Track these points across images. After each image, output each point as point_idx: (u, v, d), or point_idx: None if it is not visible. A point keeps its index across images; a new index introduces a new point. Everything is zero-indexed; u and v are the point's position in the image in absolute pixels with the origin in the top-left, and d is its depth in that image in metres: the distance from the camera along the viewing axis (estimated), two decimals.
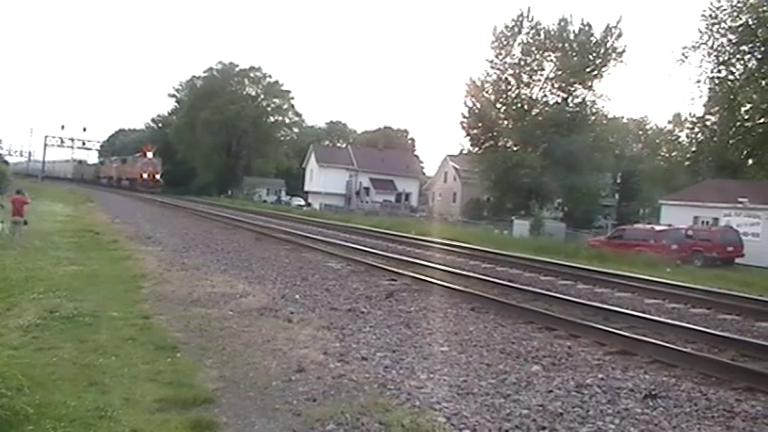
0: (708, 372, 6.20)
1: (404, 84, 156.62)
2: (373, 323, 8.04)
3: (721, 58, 32.19)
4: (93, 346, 6.17)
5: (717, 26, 31.75)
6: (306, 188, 70.94)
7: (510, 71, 44.82)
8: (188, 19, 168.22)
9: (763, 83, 31.62)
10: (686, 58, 32.43)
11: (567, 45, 43.69)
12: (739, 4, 31.16)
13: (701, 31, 32.17)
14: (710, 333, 8.02)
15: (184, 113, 73.89)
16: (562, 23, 44.17)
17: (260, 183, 73.05)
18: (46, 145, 77.94)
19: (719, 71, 32.62)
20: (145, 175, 63.11)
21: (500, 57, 44.81)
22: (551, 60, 44.27)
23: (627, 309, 9.68)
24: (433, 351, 6.76)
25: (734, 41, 31.58)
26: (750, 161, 36.17)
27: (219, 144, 69.96)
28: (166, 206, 35.81)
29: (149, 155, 64.83)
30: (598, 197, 47.52)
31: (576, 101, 44.65)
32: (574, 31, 43.98)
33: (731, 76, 32.65)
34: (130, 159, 68.41)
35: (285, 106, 73.42)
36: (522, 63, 44.28)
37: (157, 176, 64.07)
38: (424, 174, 76.90)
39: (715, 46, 32.01)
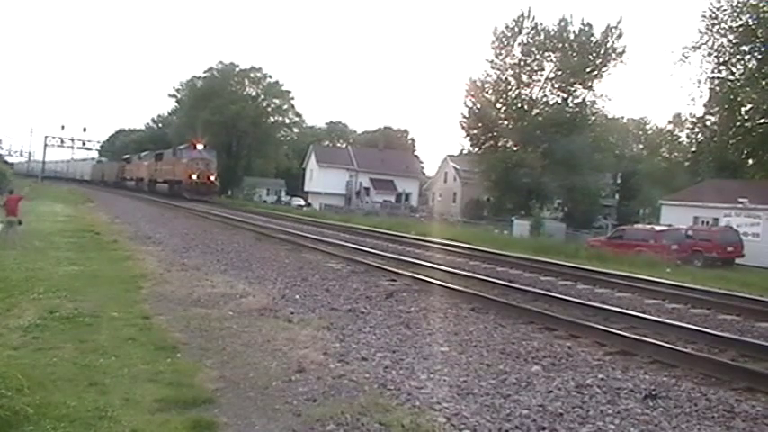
0: (708, 372, 6.20)
1: (404, 84, 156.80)
2: (373, 323, 8.03)
3: (721, 59, 32.18)
4: (93, 347, 6.18)
5: (717, 26, 31.75)
6: (306, 188, 71.00)
7: (510, 71, 44.86)
8: (188, 19, 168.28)
9: (764, 83, 31.56)
10: (686, 58, 32.43)
11: (567, 45, 43.74)
12: (739, 5, 31.14)
13: (701, 32, 32.16)
14: (710, 333, 8.01)
15: (184, 114, 73.70)
16: (562, 24, 44.26)
17: (260, 183, 72.89)
18: (46, 145, 77.79)
19: (720, 71, 32.61)
20: (195, 176, 44.04)
21: (500, 57, 44.91)
22: (551, 60, 44.35)
23: (627, 309, 9.66)
24: (433, 351, 6.76)
25: (734, 42, 31.56)
26: (750, 161, 36.13)
27: (219, 144, 69.36)
28: (167, 206, 35.73)
29: (200, 147, 46.67)
30: (598, 197, 47.51)
31: (576, 101, 44.71)
32: (574, 32, 44.05)
33: (731, 77, 32.62)
34: (169, 154, 50.19)
35: (285, 106, 73.30)
36: (522, 63, 44.33)
37: (212, 178, 45.50)
38: (424, 174, 77.04)
39: (715, 46, 32.00)
